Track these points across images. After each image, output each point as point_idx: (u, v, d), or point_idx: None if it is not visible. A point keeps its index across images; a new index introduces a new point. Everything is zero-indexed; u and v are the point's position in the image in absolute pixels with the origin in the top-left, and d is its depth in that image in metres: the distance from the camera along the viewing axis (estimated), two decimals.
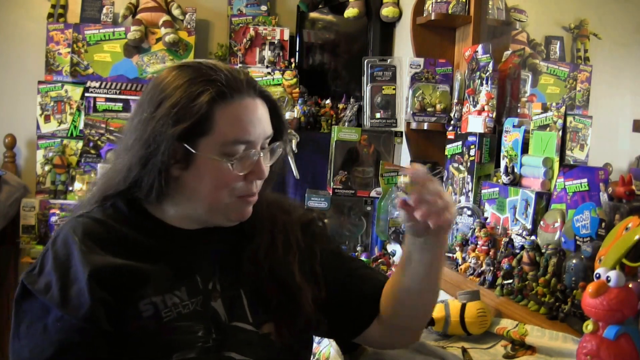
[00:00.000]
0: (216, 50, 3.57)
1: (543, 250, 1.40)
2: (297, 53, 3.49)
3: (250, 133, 1.01)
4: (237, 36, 3.50)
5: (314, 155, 2.72)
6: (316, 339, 1.35)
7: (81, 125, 3.37)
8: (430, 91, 2.30)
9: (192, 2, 3.52)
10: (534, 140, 1.65)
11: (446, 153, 2.02)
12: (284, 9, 3.68)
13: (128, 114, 3.33)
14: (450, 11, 2.21)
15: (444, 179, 2.05)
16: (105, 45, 3.37)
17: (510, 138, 1.74)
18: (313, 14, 3.40)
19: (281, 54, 3.45)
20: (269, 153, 1.07)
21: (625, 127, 1.94)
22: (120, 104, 3.34)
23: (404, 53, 2.57)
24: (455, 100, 2.19)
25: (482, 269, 1.56)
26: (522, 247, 1.45)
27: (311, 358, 1.18)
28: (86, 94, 3.34)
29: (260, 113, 1.04)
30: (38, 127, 3.39)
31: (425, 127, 2.29)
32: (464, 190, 1.90)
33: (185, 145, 0.98)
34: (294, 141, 2.69)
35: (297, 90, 3.16)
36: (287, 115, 2.87)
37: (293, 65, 3.36)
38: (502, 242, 1.55)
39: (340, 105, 2.94)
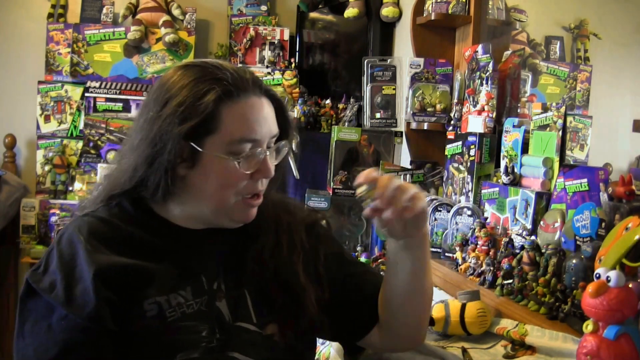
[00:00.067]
0: (216, 50, 3.57)
1: (543, 250, 1.40)
2: (297, 53, 3.49)
3: (256, 132, 1.01)
4: (237, 36, 3.51)
5: (314, 155, 2.72)
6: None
7: (81, 125, 3.38)
8: (430, 91, 2.30)
9: (192, 2, 3.52)
10: (534, 140, 1.65)
11: (446, 153, 2.02)
12: (284, 9, 3.68)
13: (128, 114, 3.34)
14: (450, 11, 2.21)
15: (444, 179, 2.05)
16: (105, 45, 3.37)
17: (510, 138, 1.74)
18: (313, 14, 3.40)
19: (281, 54, 3.45)
20: (274, 152, 1.07)
21: (625, 127, 1.95)
22: (120, 104, 3.34)
23: (404, 53, 2.57)
24: (455, 100, 2.19)
25: (482, 269, 1.56)
26: (522, 247, 1.45)
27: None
28: (86, 94, 3.34)
29: (266, 112, 1.04)
30: (38, 127, 3.39)
31: (425, 127, 2.29)
32: (464, 190, 1.90)
33: (192, 143, 0.99)
34: (294, 141, 2.69)
35: (297, 90, 3.17)
36: None
37: (293, 65, 3.36)
38: (502, 242, 1.55)
39: (340, 105, 2.94)
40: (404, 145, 2.46)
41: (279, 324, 1.05)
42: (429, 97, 2.29)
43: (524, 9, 2.21)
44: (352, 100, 2.88)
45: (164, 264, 1.01)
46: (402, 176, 2.23)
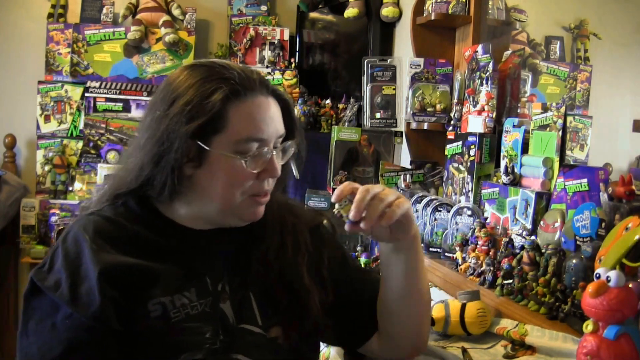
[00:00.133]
0: (216, 50, 3.57)
1: (543, 250, 1.40)
2: (297, 53, 3.49)
3: (263, 131, 1.01)
4: (237, 36, 3.51)
5: (314, 155, 2.71)
6: None
7: (81, 125, 3.38)
8: (430, 91, 2.30)
9: (192, 2, 3.52)
10: (534, 140, 1.65)
11: (446, 153, 2.02)
12: (284, 9, 3.69)
13: (128, 114, 3.34)
14: (450, 11, 2.21)
15: (444, 179, 2.05)
16: (105, 45, 3.37)
17: (510, 138, 1.74)
18: (313, 14, 3.40)
19: (281, 54, 3.45)
20: (281, 152, 1.07)
21: (625, 127, 1.95)
22: (120, 104, 3.35)
23: (404, 53, 2.57)
24: (455, 100, 2.19)
25: (482, 269, 1.56)
26: (522, 247, 1.45)
27: None
28: (86, 94, 3.34)
29: (273, 112, 1.04)
30: (38, 127, 3.39)
31: (425, 127, 2.29)
32: (464, 190, 1.90)
33: (199, 142, 0.98)
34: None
35: (297, 90, 3.16)
36: None
37: (293, 65, 3.36)
38: (502, 242, 1.55)
39: (340, 105, 2.94)
40: (404, 145, 2.46)
41: (283, 326, 1.05)
42: (429, 97, 2.29)
43: (524, 9, 2.21)
44: (352, 100, 2.88)
45: (169, 264, 1.01)
46: (402, 176, 2.23)
